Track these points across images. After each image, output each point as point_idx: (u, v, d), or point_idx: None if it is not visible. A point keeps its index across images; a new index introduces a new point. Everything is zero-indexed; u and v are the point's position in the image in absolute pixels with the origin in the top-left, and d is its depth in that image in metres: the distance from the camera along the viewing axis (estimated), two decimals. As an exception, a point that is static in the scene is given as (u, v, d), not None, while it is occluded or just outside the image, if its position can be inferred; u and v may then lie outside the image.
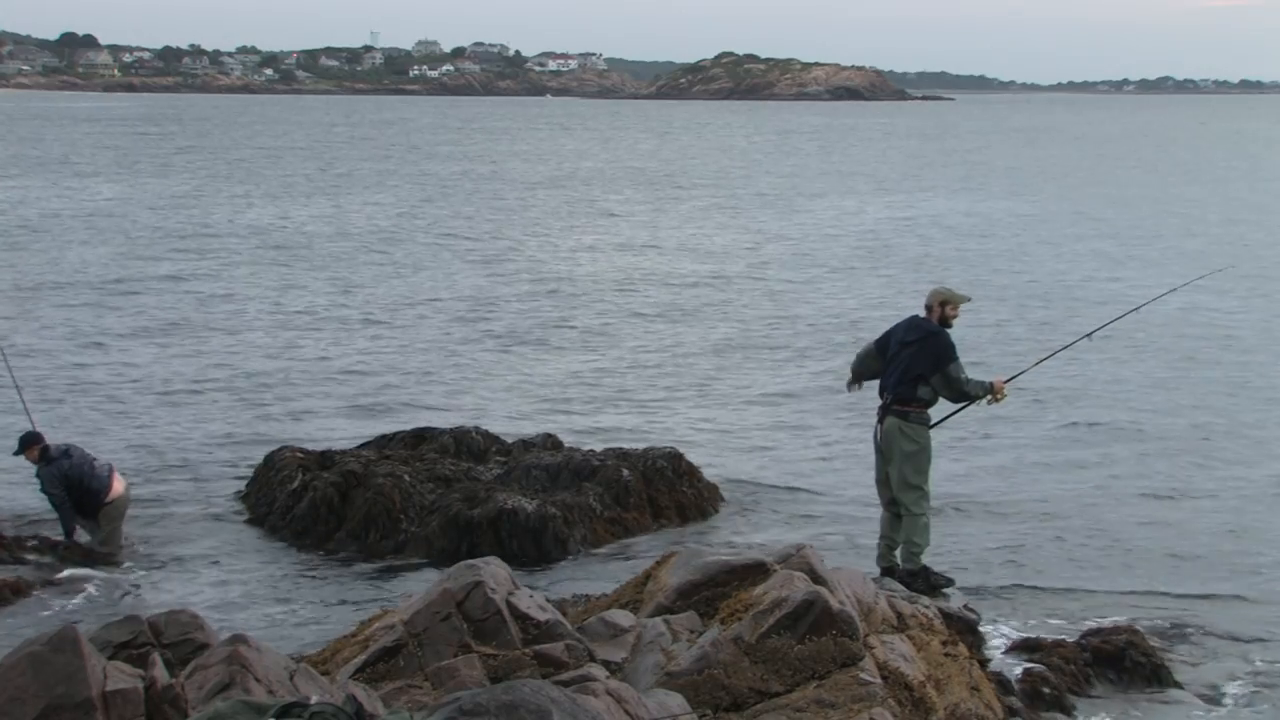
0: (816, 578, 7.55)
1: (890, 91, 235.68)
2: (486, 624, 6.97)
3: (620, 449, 13.68)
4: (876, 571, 10.34)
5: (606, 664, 7.05)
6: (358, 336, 22.09)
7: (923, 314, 10.63)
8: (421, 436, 14.34)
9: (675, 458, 13.30)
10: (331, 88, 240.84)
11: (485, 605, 7.01)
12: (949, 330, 10.57)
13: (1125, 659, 9.17)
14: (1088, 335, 11.96)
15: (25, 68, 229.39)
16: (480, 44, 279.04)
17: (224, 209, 42.71)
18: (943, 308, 10.55)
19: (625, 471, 12.81)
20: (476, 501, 12.08)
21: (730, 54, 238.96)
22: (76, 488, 11.71)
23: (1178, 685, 9.18)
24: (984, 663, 8.73)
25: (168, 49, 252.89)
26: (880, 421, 10.52)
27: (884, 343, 10.65)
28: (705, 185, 56.21)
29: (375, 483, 12.43)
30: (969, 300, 10.87)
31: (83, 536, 11.85)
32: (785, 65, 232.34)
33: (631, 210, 44.88)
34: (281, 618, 10.40)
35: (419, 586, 10.19)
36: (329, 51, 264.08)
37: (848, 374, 10.86)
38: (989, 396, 10.57)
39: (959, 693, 7.66)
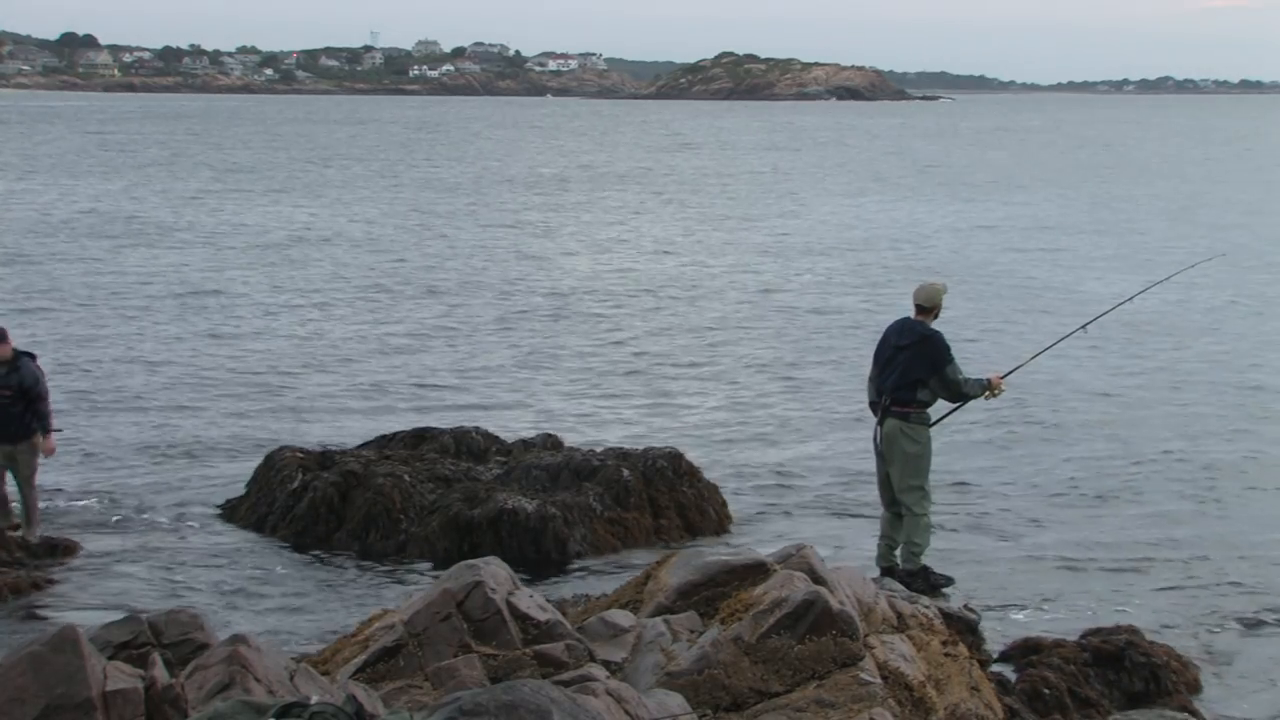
0: (816, 578, 7.55)
1: (890, 91, 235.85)
2: (486, 624, 6.97)
3: (620, 449, 13.67)
4: (876, 571, 10.35)
5: (606, 664, 7.05)
6: (356, 336, 22.09)
7: (913, 314, 10.64)
8: (421, 436, 14.33)
9: (675, 458, 13.29)
10: (331, 88, 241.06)
11: (485, 605, 7.01)
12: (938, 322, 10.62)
13: (1125, 659, 9.16)
14: (1083, 327, 11.98)
15: (25, 68, 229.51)
16: (480, 44, 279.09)
17: (218, 207, 42.76)
18: (938, 306, 10.60)
19: (625, 471, 12.80)
20: (476, 501, 12.08)
21: (730, 54, 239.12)
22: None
23: (1178, 685, 9.17)
24: (984, 663, 8.73)
25: (168, 49, 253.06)
26: (880, 424, 10.53)
27: (878, 351, 10.66)
28: (699, 184, 56.24)
29: (375, 483, 12.43)
30: (946, 289, 10.95)
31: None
32: (785, 65, 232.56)
33: (626, 209, 44.91)
34: (281, 618, 10.39)
35: (419, 586, 10.20)
36: (329, 51, 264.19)
37: (865, 398, 10.92)
38: (986, 393, 10.60)
39: (959, 693, 7.66)
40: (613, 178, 60.14)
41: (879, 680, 7.01)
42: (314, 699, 5.00)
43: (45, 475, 13.91)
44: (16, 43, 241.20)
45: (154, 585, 11.06)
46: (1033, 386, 17.56)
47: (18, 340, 12.01)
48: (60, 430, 12.44)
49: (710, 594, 7.71)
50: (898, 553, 10.62)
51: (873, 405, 10.68)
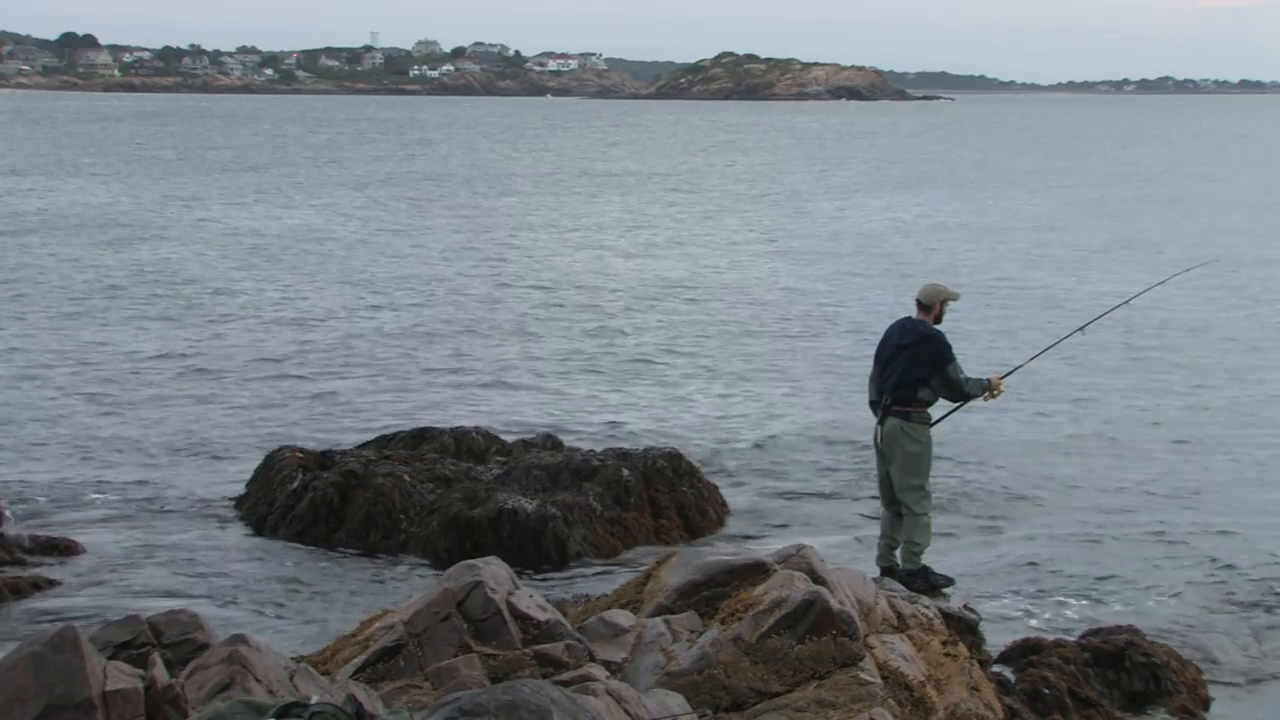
0: (816, 578, 7.55)
1: (890, 91, 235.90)
2: (486, 624, 6.97)
3: (620, 449, 13.68)
4: (876, 571, 10.34)
5: (606, 664, 7.05)
6: (355, 335, 22.09)
7: (914, 314, 10.62)
8: (421, 436, 14.34)
9: (675, 458, 13.30)
10: (331, 88, 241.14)
11: (485, 605, 7.01)
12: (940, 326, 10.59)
13: (1125, 659, 9.16)
14: (1080, 329, 11.96)
15: (25, 68, 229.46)
16: (480, 44, 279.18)
17: (210, 206, 42.78)
18: (942, 305, 10.58)
19: (625, 471, 12.80)
20: (476, 501, 12.08)
21: (730, 54, 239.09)
22: None
23: (1178, 686, 9.17)
24: (984, 663, 8.73)
25: (168, 49, 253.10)
26: (880, 423, 10.52)
27: (880, 350, 10.64)
28: (696, 184, 56.27)
29: (375, 483, 12.43)
30: (958, 297, 10.91)
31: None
32: (785, 65, 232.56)
33: (622, 210, 44.93)
34: (281, 618, 10.40)
35: (419, 586, 10.20)
36: (329, 51, 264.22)
37: (863, 396, 10.90)
38: (986, 393, 10.59)
39: (959, 693, 7.66)
40: (611, 178, 60.16)
41: (879, 680, 7.01)
42: (314, 699, 5.00)
43: (43, 474, 13.97)
44: (16, 43, 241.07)
45: (154, 585, 11.06)
46: (1033, 383, 17.55)
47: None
48: None
49: (710, 594, 7.71)
50: (898, 552, 10.61)
51: (873, 404, 10.67)
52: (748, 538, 12.41)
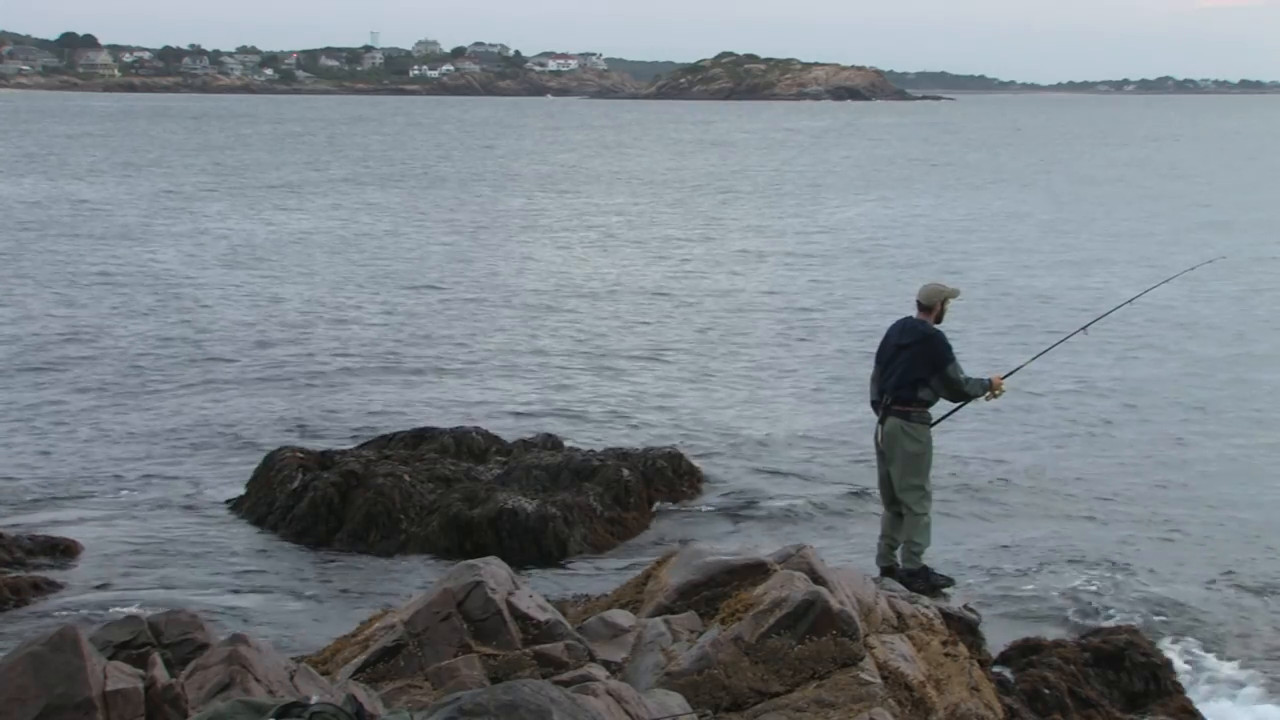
0: (816, 578, 7.55)
1: (890, 91, 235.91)
2: (486, 624, 6.97)
3: (620, 449, 13.68)
4: (876, 571, 10.34)
5: (606, 664, 7.05)
6: (356, 336, 22.09)
7: (915, 314, 10.61)
8: (421, 436, 14.35)
9: (675, 458, 13.31)
10: (331, 88, 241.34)
11: (485, 605, 7.01)
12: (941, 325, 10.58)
13: (1125, 659, 9.17)
14: (1083, 329, 11.94)
15: (25, 68, 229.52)
16: (480, 44, 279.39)
17: (212, 207, 42.80)
18: (943, 305, 10.56)
19: (625, 471, 12.81)
20: (476, 501, 12.09)
21: (730, 54, 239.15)
22: None
23: (1178, 685, 9.17)
24: (984, 663, 8.73)
25: (168, 49, 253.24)
26: (881, 423, 10.51)
27: (880, 350, 10.63)
28: (694, 185, 56.28)
29: (375, 483, 12.43)
30: (959, 294, 10.88)
31: None
32: (785, 65, 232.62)
33: (619, 210, 44.94)
34: (282, 617, 10.40)
35: (419, 586, 10.20)
36: (329, 51, 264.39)
37: (864, 398, 10.88)
38: (987, 393, 10.57)
39: (959, 693, 7.66)
40: (609, 178, 60.17)
41: (879, 680, 7.01)
42: (314, 699, 4.99)
43: (43, 473, 13.96)
44: (16, 43, 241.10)
45: (154, 585, 11.06)
46: (1031, 387, 17.55)
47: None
48: None
49: (710, 594, 7.71)
50: (898, 552, 10.61)
51: (874, 404, 10.66)
52: (741, 514, 12.42)
